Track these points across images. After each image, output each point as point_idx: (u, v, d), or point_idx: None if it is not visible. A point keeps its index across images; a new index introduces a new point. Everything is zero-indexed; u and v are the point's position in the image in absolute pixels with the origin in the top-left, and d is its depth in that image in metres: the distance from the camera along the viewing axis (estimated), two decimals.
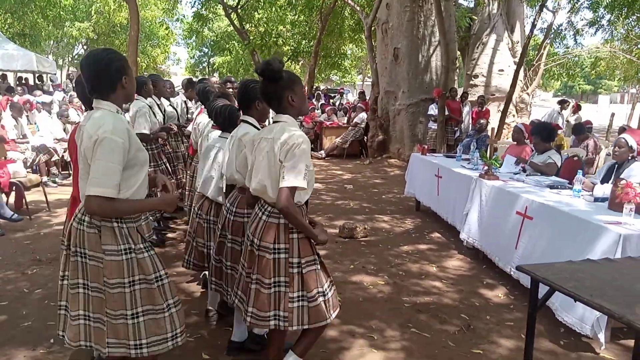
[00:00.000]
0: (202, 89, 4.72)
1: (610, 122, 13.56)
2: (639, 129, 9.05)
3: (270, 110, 2.87)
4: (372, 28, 12.55)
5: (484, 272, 4.64)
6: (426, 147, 7.63)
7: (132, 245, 2.11)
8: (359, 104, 13.34)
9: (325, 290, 2.48)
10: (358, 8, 13.64)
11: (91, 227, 2.08)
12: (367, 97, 13.49)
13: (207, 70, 34.49)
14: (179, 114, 6.03)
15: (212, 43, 28.54)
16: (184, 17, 25.80)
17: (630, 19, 11.22)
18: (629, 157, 4.24)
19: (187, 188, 4.96)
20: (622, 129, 8.64)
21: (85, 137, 2.04)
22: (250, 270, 2.47)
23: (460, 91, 11.85)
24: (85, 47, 27.69)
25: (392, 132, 12.02)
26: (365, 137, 12.42)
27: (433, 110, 10.55)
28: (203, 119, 4.40)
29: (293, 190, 2.28)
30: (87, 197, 2.00)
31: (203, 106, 4.74)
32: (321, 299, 2.44)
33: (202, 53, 35.20)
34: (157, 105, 5.33)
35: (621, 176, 4.00)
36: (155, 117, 5.14)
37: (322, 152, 12.31)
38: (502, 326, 3.59)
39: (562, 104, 11.81)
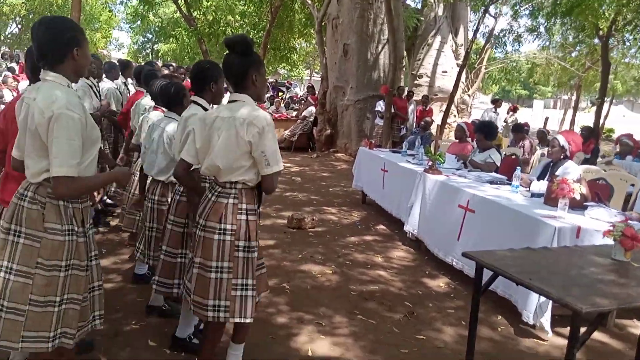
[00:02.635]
0: (146, 71, 4.62)
1: (544, 126, 14.34)
2: (571, 130, 9.64)
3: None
4: (323, 23, 12.63)
5: (427, 263, 4.82)
6: (373, 142, 7.79)
7: (74, 227, 2.02)
8: (307, 98, 13.41)
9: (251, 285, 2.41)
10: (309, 2, 13.68)
11: (34, 202, 1.96)
12: (316, 92, 13.58)
13: (150, 56, 33.36)
14: (123, 95, 5.84)
15: (157, 29, 27.68)
16: (129, 0, 24.93)
17: (566, 27, 11.90)
18: (562, 157, 4.53)
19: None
20: (541, 132, 9.23)
21: (37, 113, 1.90)
22: (194, 254, 2.42)
23: (406, 90, 12.16)
24: (19, 25, 26.19)
25: (339, 126, 12.16)
26: (314, 131, 12.51)
27: (380, 106, 10.76)
28: (146, 101, 4.30)
29: (279, 173, 2.31)
30: (55, 178, 1.89)
31: (144, 89, 4.63)
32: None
33: (146, 39, 34.07)
34: (90, 86, 5.14)
35: (556, 173, 4.27)
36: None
37: None
38: (444, 314, 3.75)
39: (496, 102, 12.45)
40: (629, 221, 2.81)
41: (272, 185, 2.35)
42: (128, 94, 5.92)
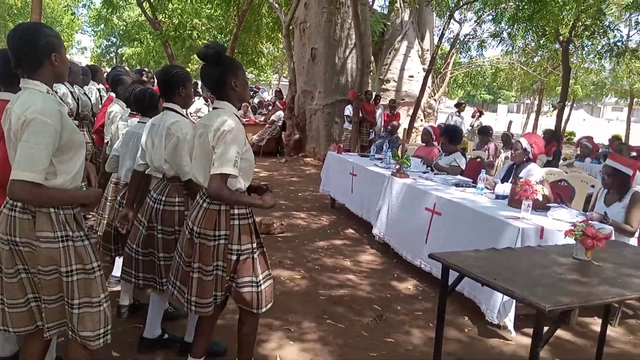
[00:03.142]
0: (115, 76, 4.53)
1: (508, 129, 14.65)
2: (534, 133, 9.84)
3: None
4: (290, 27, 12.63)
5: (395, 266, 4.85)
6: (342, 146, 7.82)
7: (69, 232, 1.99)
8: (276, 102, 13.37)
9: (260, 281, 2.47)
10: (277, 6, 13.66)
11: (25, 212, 1.95)
12: (284, 96, 13.55)
13: (115, 60, 32.83)
14: (93, 103, 5.70)
15: (121, 32, 27.18)
16: (91, 3, 24.40)
17: (528, 33, 12.22)
18: (525, 159, 4.62)
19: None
20: (506, 135, 9.45)
21: (14, 119, 1.89)
22: (191, 259, 2.41)
23: (374, 94, 12.25)
24: None
25: (308, 131, 12.16)
26: (282, 136, 12.47)
27: (349, 111, 10.81)
28: (116, 108, 4.24)
29: (224, 177, 2.25)
30: (11, 181, 1.83)
31: (114, 94, 4.54)
32: (249, 288, 2.43)
33: (110, 43, 33.47)
34: (71, 92, 5.03)
35: (519, 175, 4.35)
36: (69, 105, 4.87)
37: None
38: (412, 316, 3.78)
39: (459, 106, 12.69)
40: (590, 221, 2.88)
41: (214, 187, 2.24)
42: (100, 100, 5.81)
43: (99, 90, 6.03)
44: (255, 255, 2.47)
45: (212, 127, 2.29)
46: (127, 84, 4.17)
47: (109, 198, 3.62)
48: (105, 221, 3.55)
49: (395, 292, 4.25)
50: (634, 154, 7.28)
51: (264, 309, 2.49)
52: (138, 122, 3.34)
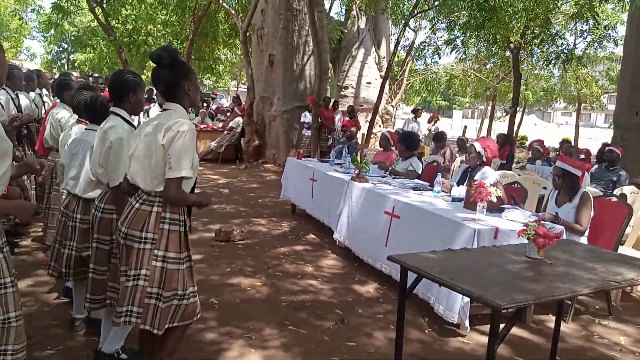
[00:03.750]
0: (62, 81, 4.40)
1: (463, 134, 15.04)
2: (487, 137, 10.13)
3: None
4: (248, 33, 12.57)
5: (356, 270, 4.87)
6: (301, 152, 7.82)
7: None
8: (234, 109, 13.26)
9: (186, 295, 2.38)
10: (233, 12, 13.58)
11: None
12: (243, 102, 13.46)
13: (67, 67, 31.87)
14: (38, 108, 5.49)
15: (73, 38, 26.40)
16: (41, 8, 23.58)
17: (480, 40, 12.59)
18: (479, 162, 4.74)
19: (45, 189, 4.55)
20: (461, 140, 9.71)
21: None
22: (120, 263, 2.37)
23: (332, 101, 12.33)
24: None
25: (267, 137, 12.11)
26: (241, 142, 12.37)
27: (307, 117, 10.83)
28: (64, 114, 4.12)
29: (181, 180, 2.23)
30: None
31: (59, 100, 4.41)
32: (176, 302, 2.35)
33: (62, 49, 32.46)
34: (12, 99, 4.83)
35: (474, 178, 4.46)
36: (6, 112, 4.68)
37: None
38: (374, 319, 3.80)
39: (416, 112, 12.93)
40: (542, 221, 2.97)
41: (170, 191, 2.24)
42: (44, 106, 5.59)
43: (40, 95, 5.80)
44: (182, 267, 2.37)
45: (164, 126, 2.25)
46: (73, 89, 4.06)
47: (53, 207, 3.51)
48: (54, 232, 3.42)
49: (357, 295, 4.26)
50: (582, 156, 7.60)
51: (182, 323, 2.39)
52: (86, 129, 3.25)
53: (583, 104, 24.52)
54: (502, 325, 2.02)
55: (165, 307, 2.32)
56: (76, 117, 3.62)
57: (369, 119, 12.64)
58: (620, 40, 15.47)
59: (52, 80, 6.10)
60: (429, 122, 13.70)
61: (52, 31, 24.12)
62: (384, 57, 14.28)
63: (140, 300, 2.30)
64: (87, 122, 3.31)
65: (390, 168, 5.92)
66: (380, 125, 13.68)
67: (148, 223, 2.30)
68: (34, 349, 3.01)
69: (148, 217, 2.30)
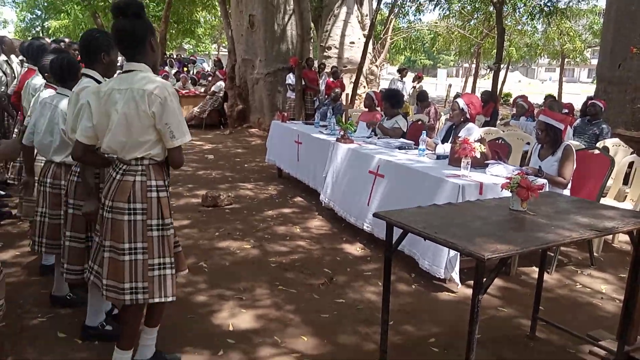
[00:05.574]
0: (36, 46, 4.26)
1: (448, 93, 14.99)
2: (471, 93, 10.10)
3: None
4: None
5: (343, 230, 4.92)
6: (286, 114, 7.76)
7: None
8: (216, 73, 13.03)
9: (167, 264, 2.33)
10: None
11: None
12: (224, 66, 13.23)
13: (41, 34, 30.82)
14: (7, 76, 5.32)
15: (46, 4, 25.54)
16: None
17: None
18: (462, 119, 4.74)
19: (18, 160, 4.39)
20: (457, 95, 9.66)
21: None
22: (103, 237, 2.30)
23: (316, 62, 12.16)
24: None
25: (251, 101, 11.97)
26: (225, 107, 12.21)
27: (291, 79, 10.70)
28: (38, 81, 3.97)
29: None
30: None
31: (35, 67, 4.25)
32: (157, 271, 2.31)
33: (35, 16, 31.39)
34: None
35: (458, 135, 4.47)
36: None
37: None
38: (362, 276, 3.86)
39: (401, 72, 12.81)
40: (525, 174, 3.00)
41: (180, 158, 2.29)
42: (13, 73, 5.42)
43: (7, 62, 5.58)
44: (168, 233, 2.33)
45: (145, 91, 2.15)
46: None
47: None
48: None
49: (345, 254, 4.32)
50: (566, 110, 7.63)
51: (158, 299, 2.31)
52: (57, 93, 3.05)
53: (566, 59, 24.51)
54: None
55: (170, 274, 2.32)
56: (44, 81, 3.48)
57: (353, 79, 12.51)
58: None
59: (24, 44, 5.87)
60: (413, 81, 13.60)
61: None
62: (366, 16, 14.03)
63: (143, 274, 2.25)
64: (56, 86, 3.13)
65: (378, 124, 5.90)
66: (364, 86, 13.56)
67: (134, 193, 2.23)
68: (25, 317, 3.03)
69: (132, 187, 2.23)
